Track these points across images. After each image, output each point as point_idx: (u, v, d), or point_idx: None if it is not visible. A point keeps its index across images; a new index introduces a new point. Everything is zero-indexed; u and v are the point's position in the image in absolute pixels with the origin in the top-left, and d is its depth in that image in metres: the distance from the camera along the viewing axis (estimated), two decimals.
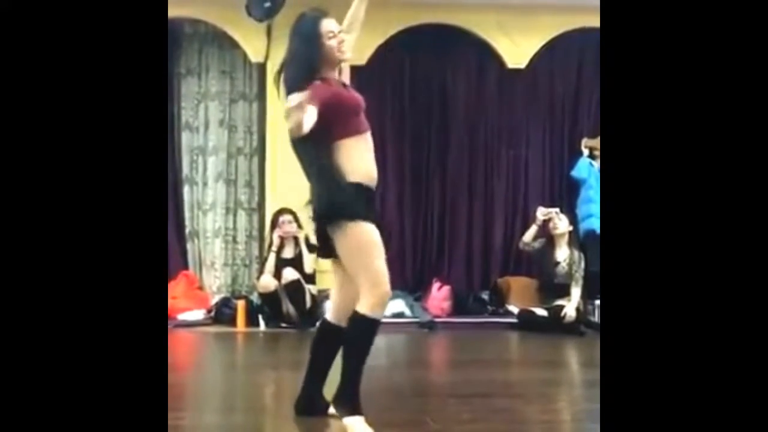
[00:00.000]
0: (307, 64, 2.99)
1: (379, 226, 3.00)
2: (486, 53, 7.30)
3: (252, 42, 6.89)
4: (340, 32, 3.07)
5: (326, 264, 6.98)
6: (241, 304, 6.55)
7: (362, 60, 7.03)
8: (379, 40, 7.00)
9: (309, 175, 3.08)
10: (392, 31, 7.00)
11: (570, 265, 6.48)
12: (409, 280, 7.32)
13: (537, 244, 6.79)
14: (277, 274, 6.46)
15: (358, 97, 3.08)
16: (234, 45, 7.01)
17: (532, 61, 7.16)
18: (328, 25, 3.06)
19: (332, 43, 3.02)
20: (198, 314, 6.75)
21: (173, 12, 6.59)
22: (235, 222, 7.28)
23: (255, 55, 6.94)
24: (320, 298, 6.67)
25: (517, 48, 7.14)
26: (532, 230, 6.81)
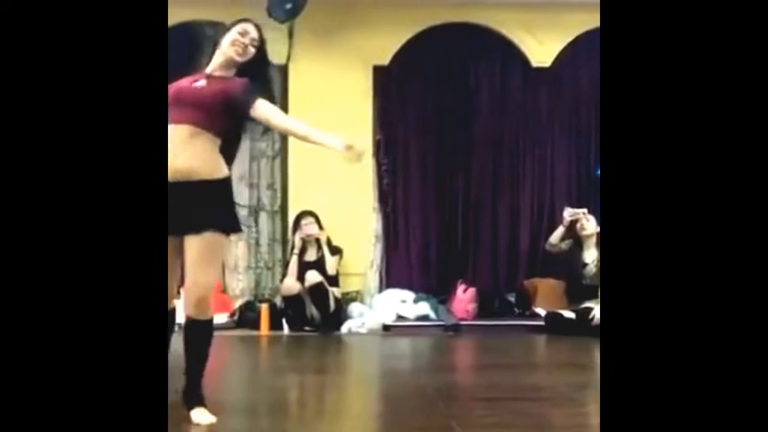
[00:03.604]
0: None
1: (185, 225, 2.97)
2: (510, 52, 7.23)
3: (273, 44, 6.82)
4: (251, 40, 3.14)
5: (350, 266, 7.03)
6: (264, 308, 6.53)
7: (385, 60, 7.00)
8: (402, 40, 6.95)
9: None
10: (415, 31, 6.95)
11: (598, 266, 6.38)
12: (433, 282, 7.25)
13: (564, 246, 6.70)
14: (301, 277, 6.44)
15: (192, 89, 3.07)
16: None
17: (557, 59, 7.07)
18: (244, 26, 3.17)
19: (238, 37, 3.12)
20: (221, 318, 6.72)
21: (193, 15, 6.63)
22: (257, 225, 7.26)
23: (277, 57, 6.91)
24: (344, 301, 6.64)
25: (541, 46, 7.06)
26: (559, 231, 6.73)
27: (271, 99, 3.20)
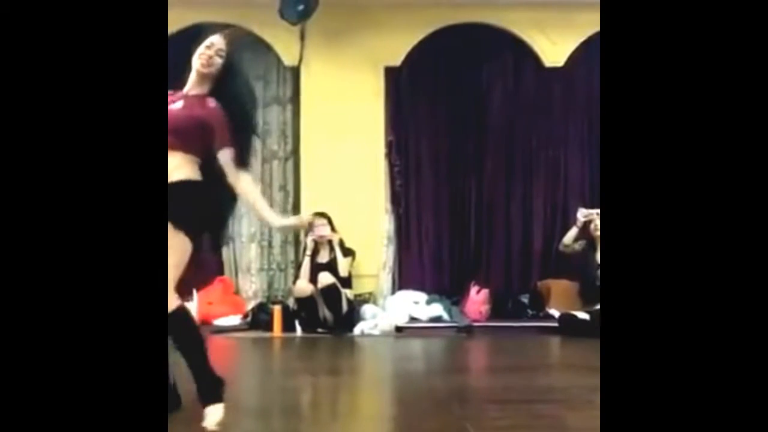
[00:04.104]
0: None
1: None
2: (523, 52, 7.19)
3: (285, 45, 6.87)
4: (217, 51, 3.09)
5: (363, 268, 7.01)
6: (277, 309, 6.53)
7: (396, 61, 6.99)
8: (414, 41, 6.94)
9: None
10: (426, 32, 6.94)
11: None
12: (446, 283, 7.23)
13: (578, 247, 6.66)
14: (313, 279, 6.43)
15: (179, 116, 2.98)
16: (267, 49, 7.00)
17: (570, 59, 7.03)
18: (212, 38, 3.11)
19: (204, 50, 3.07)
20: (234, 320, 6.74)
21: (205, 17, 6.63)
22: (270, 227, 7.25)
23: (288, 58, 6.92)
24: (357, 303, 6.62)
25: (554, 46, 7.03)
26: (573, 232, 6.70)
27: (242, 112, 3.13)
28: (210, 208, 3.10)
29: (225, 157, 3.01)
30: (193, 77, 3.12)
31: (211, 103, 3.07)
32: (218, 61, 3.10)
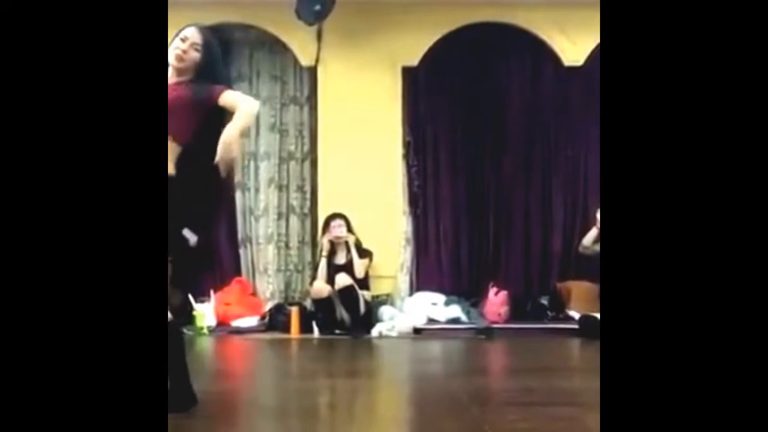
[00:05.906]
0: None
1: None
2: (541, 51, 7.14)
3: (302, 46, 6.86)
4: (191, 45, 3.07)
5: (381, 269, 6.98)
6: (294, 311, 6.52)
7: (414, 61, 6.96)
8: (431, 40, 6.90)
9: None
10: (444, 31, 6.90)
11: None
12: (465, 284, 7.19)
13: (598, 248, 6.60)
14: (331, 280, 6.41)
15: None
16: (284, 49, 6.99)
17: (589, 58, 6.97)
18: (185, 31, 3.11)
19: (178, 44, 3.07)
20: (252, 321, 6.74)
21: (222, 18, 6.64)
22: (287, 227, 7.25)
23: (305, 58, 6.92)
24: (374, 304, 6.60)
25: (573, 45, 6.96)
26: (593, 233, 6.65)
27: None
28: (187, 206, 3.07)
29: (226, 97, 2.99)
30: (170, 71, 3.09)
31: (187, 81, 3.06)
32: (194, 55, 3.07)
